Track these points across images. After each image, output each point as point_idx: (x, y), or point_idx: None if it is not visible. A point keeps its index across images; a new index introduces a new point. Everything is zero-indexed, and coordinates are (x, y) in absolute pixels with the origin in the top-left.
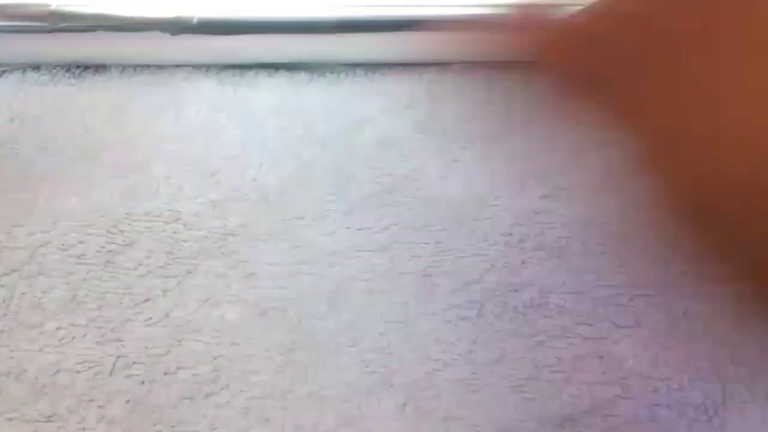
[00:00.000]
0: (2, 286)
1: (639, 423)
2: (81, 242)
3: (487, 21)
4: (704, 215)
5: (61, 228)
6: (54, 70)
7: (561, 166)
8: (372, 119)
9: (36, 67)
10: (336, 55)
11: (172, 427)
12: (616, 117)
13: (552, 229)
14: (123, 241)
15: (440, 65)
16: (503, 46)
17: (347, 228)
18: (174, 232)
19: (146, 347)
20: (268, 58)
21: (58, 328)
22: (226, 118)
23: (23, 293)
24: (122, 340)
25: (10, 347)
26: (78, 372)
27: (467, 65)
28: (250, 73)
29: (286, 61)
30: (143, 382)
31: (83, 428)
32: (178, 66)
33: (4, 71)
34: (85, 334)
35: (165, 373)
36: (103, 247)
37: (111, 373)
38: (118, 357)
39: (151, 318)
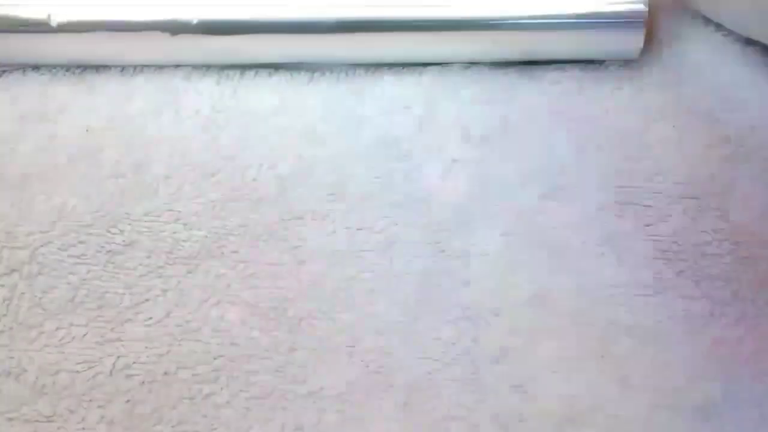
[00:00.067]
0: (2, 286)
1: (639, 422)
2: (81, 242)
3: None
4: None
5: (61, 228)
6: (54, 70)
7: (561, 166)
8: (372, 119)
9: (36, 67)
10: (336, 55)
11: (172, 427)
12: None
13: (552, 229)
14: (123, 241)
15: (440, 65)
16: (503, 46)
17: (347, 228)
18: (174, 232)
19: (146, 347)
20: (268, 58)
21: (58, 328)
22: (226, 118)
23: (23, 293)
24: (122, 340)
25: (10, 347)
26: (78, 372)
27: (467, 65)
28: (250, 73)
29: (286, 61)
30: (143, 382)
31: (83, 428)
32: (177, 66)
33: (4, 71)
34: (85, 334)
35: (165, 373)
36: (103, 247)
37: (111, 373)
38: (118, 357)
39: (151, 318)
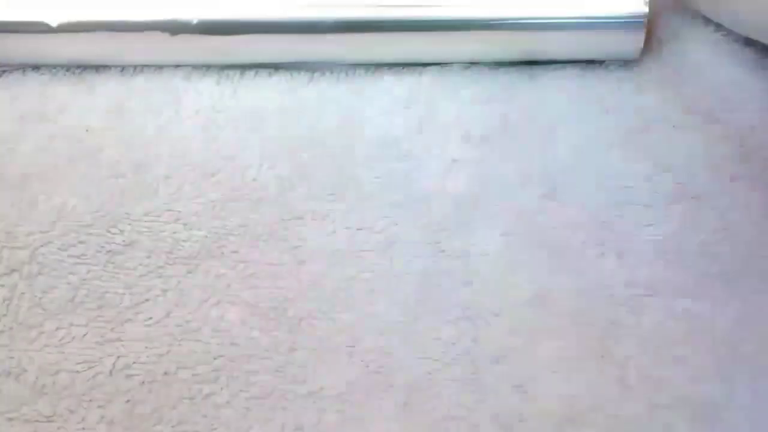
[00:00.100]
0: (2, 286)
1: (639, 423)
2: (81, 242)
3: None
4: None
5: (61, 228)
6: (54, 70)
7: (561, 166)
8: (372, 119)
9: (36, 67)
10: (336, 55)
11: (172, 427)
12: None
13: (552, 229)
14: (123, 241)
15: (440, 65)
16: (503, 46)
17: (347, 228)
18: (174, 232)
19: (146, 347)
20: (268, 58)
21: (58, 328)
22: (226, 118)
23: (23, 293)
24: (122, 340)
25: (10, 347)
26: (78, 372)
27: (467, 65)
28: (250, 73)
29: (286, 61)
30: (143, 382)
31: (83, 428)
32: (177, 66)
33: (4, 71)
34: (85, 334)
35: (165, 373)
36: (103, 247)
37: (111, 373)
38: (118, 357)
39: (151, 318)
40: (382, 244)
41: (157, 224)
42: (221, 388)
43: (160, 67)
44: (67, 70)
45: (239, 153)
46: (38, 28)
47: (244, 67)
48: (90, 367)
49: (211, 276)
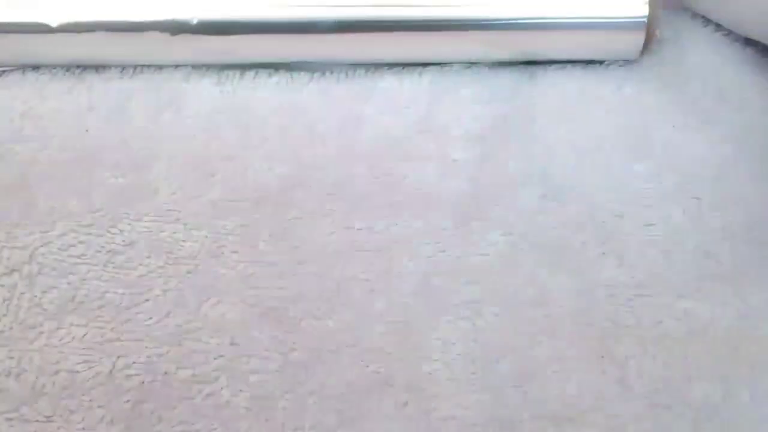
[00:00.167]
0: (2, 286)
1: (639, 422)
2: (81, 242)
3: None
4: None
5: (61, 228)
6: (54, 70)
7: (561, 166)
8: (372, 119)
9: (36, 67)
10: (336, 55)
11: (172, 427)
12: None
13: (552, 229)
14: (123, 241)
15: (440, 65)
16: (503, 46)
17: (347, 228)
18: (174, 232)
19: (146, 347)
20: (268, 58)
21: (58, 328)
22: (226, 118)
23: (23, 293)
24: (122, 340)
25: (10, 347)
26: (78, 372)
27: (467, 65)
28: (250, 73)
29: (286, 61)
30: (143, 382)
31: (83, 428)
32: (177, 66)
33: (4, 71)
34: (85, 334)
35: (165, 373)
36: (103, 247)
37: (111, 373)
38: (118, 357)
39: (151, 318)
40: (382, 244)
41: (157, 224)
42: (221, 388)
43: (160, 67)
44: (67, 70)
45: (239, 153)
46: (38, 28)
47: (244, 67)
48: (90, 367)
49: (211, 276)
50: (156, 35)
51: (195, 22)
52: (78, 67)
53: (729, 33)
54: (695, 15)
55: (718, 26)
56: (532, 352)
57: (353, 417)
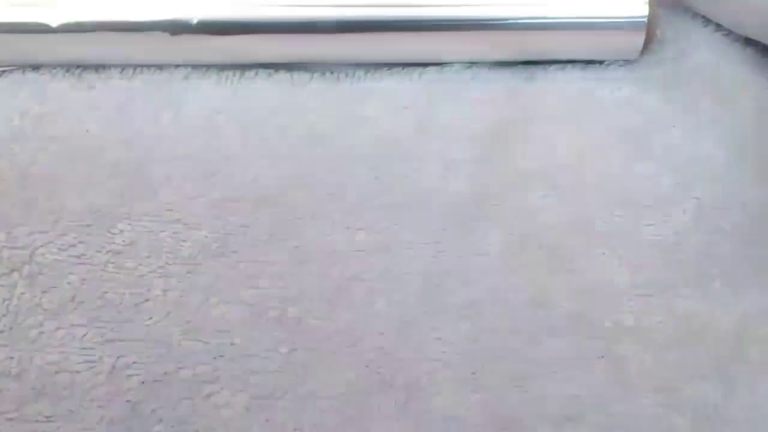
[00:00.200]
0: (2, 286)
1: (639, 422)
2: (81, 242)
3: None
4: None
5: (61, 228)
6: (54, 70)
7: (561, 166)
8: (372, 119)
9: (36, 67)
10: (336, 55)
11: (172, 427)
12: None
13: (552, 229)
14: (123, 241)
15: (440, 65)
16: (503, 46)
17: (347, 228)
18: (174, 232)
19: (146, 347)
20: (268, 58)
21: (58, 328)
22: (226, 118)
23: (23, 293)
24: (122, 340)
25: (10, 347)
26: (78, 372)
27: (467, 65)
28: (250, 73)
29: (286, 61)
30: (143, 382)
31: (83, 428)
32: (177, 66)
33: (4, 71)
34: (85, 334)
35: (165, 373)
36: (103, 247)
37: (111, 373)
38: (118, 357)
39: (151, 318)
40: (382, 244)
41: (157, 224)
42: (221, 388)
43: (160, 67)
44: (67, 70)
45: (239, 153)
46: (38, 28)
47: (244, 67)
48: (90, 367)
49: (211, 276)
50: (156, 35)
51: (195, 22)
52: (78, 67)
53: (729, 33)
54: (695, 15)
55: (718, 26)
56: (532, 352)
57: (353, 417)
